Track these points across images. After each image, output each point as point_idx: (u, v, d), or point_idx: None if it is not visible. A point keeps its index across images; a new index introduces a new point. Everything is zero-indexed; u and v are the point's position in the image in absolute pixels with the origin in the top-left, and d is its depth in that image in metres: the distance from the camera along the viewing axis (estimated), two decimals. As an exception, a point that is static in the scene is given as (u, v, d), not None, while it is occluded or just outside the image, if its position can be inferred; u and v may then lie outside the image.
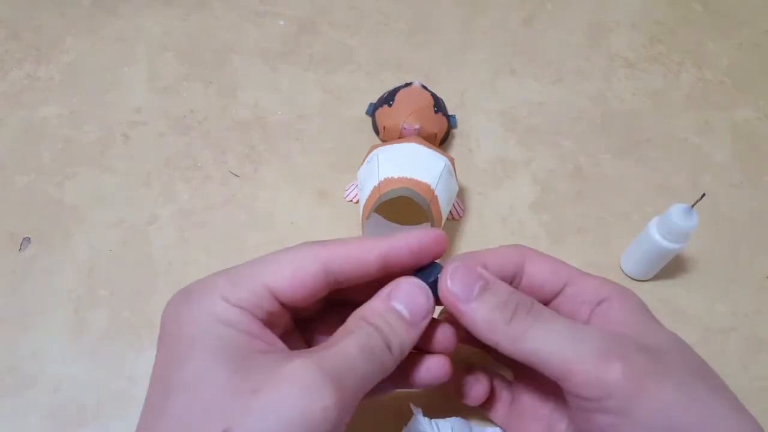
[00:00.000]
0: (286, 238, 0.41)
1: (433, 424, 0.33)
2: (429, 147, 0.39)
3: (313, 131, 0.47)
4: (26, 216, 0.42)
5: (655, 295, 0.40)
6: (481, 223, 0.43)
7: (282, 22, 0.53)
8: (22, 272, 0.40)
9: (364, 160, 0.41)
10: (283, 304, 0.25)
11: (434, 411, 0.35)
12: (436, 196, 0.37)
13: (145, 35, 0.51)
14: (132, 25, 0.52)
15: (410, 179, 0.37)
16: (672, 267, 0.41)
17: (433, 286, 0.27)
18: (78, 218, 0.42)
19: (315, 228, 0.42)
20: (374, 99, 0.47)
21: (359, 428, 0.35)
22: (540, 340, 0.25)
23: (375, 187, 0.37)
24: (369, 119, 0.47)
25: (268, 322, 0.25)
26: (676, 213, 0.36)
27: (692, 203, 0.35)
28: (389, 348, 0.24)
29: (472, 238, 0.42)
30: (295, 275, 0.25)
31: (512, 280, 0.28)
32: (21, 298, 0.39)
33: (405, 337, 0.25)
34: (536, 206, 0.44)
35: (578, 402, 0.25)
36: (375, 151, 0.40)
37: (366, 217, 0.37)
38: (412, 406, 0.34)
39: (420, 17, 0.54)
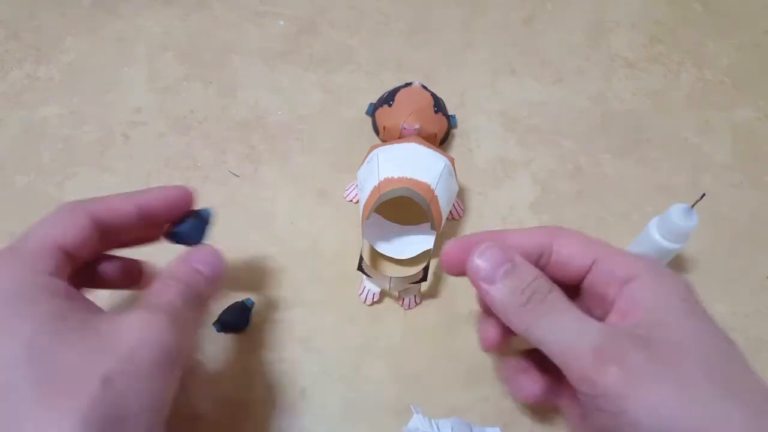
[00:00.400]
0: (286, 237, 0.41)
1: (433, 423, 0.33)
2: (429, 147, 0.39)
3: (313, 131, 0.47)
4: (26, 216, 0.42)
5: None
6: (481, 223, 0.43)
7: (282, 22, 0.53)
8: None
9: (364, 160, 0.41)
10: (69, 256, 0.28)
11: (434, 410, 0.35)
12: (436, 196, 0.37)
13: (145, 35, 0.51)
14: (132, 25, 0.52)
15: (410, 179, 0.37)
16: (672, 267, 0.41)
17: (194, 228, 0.32)
18: (78, 218, 0.42)
19: (315, 228, 0.42)
20: (374, 99, 0.47)
21: (360, 428, 0.35)
22: (546, 331, 0.25)
23: (375, 187, 0.37)
24: (369, 119, 0.47)
25: (61, 274, 0.27)
26: (676, 213, 0.36)
27: (692, 203, 0.35)
28: (200, 298, 0.29)
29: (472, 238, 0.42)
30: (75, 228, 0.28)
31: (539, 259, 0.29)
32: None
33: (208, 292, 0.30)
34: (536, 206, 0.44)
35: (579, 394, 0.25)
36: (375, 151, 0.40)
37: (366, 217, 0.37)
38: (413, 406, 0.34)
39: (420, 17, 0.54)
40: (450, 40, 0.53)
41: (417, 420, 0.33)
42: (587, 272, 0.28)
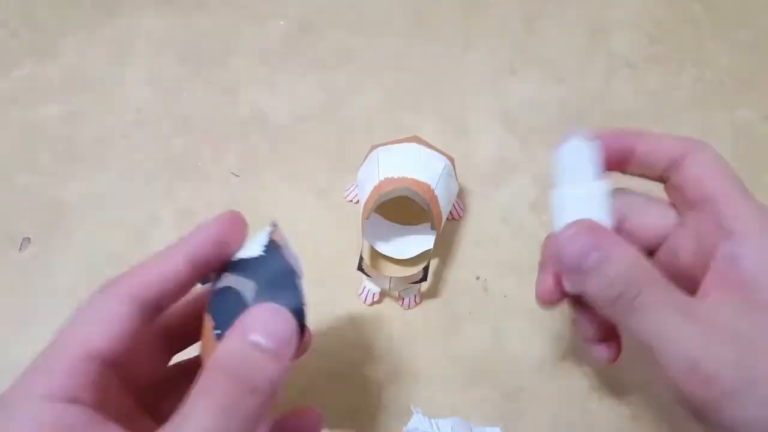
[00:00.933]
0: (287, 237, 0.41)
1: (433, 423, 0.33)
2: (429, 147, 0.39)
3: (313, 131, 0.47)
4: (26, 216, 0.42)
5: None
6: (481, 223, 0.43)
7: (282, 23, 0.53)
8: (21, 272, 0.40)
9: (364, 160, 0.41)
10: (114, 367, 0.22)
11: (435, 410, 0.35)
12: (436, 195, 0.37)
13: (145, 35, 0.51)
14: (132, 25, 0.52)
15: (410, 179, 0.37)
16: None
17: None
18: (78, 218, 0.42)
19: (315, 228, 0.42)
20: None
21: (360, 428, 0.35)
22: (638, 329, 0.24)
23: (375, 186, 0.37)
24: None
25: (104, 400, 0.21)
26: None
27: None
28: (254, 391, 0.21)
29: (472, 238, 0.42)
30: (111, 327, 0.21)
31: (664, 173, 0.27)
32: (20, 298, 0.39)
33: (272, 372, 0.22)
34: (537, 206, 0.44)
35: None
36: (375, 151, 0.40)
37: (366, 217, 0.37)
38: (413, 406, 0.34)
39: (420, 17, 0.54)
40: (450, 39, 0.52)
41: (417, 420, 0.33)
42: (701, 204, 0.25)
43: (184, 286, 0.24)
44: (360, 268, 0.37)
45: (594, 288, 0.24)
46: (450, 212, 0.42)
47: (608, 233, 0.25)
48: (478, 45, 0.52)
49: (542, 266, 0.30)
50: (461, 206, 0.43)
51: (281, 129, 0.47)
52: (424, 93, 0.49)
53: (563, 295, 0.28)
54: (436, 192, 0.37)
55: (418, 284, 0.38)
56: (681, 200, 0.26)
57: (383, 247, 0.40)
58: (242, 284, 0.24)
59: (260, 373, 0.21)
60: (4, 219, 0.42)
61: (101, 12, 0.53)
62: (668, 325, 0.23)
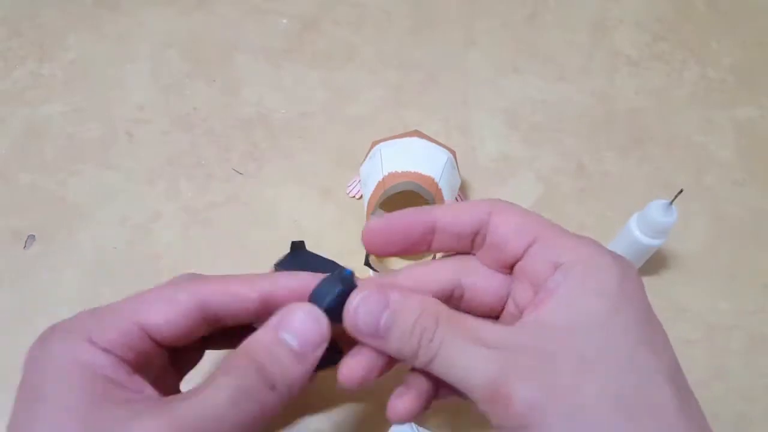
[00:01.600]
0: (289, 235, 0.41)
1: (415, 428, 0.33)
2: (430, 141, 0.39)
3: (316, 128, 0.47)
4: (30, 213, 0.42)
5: (658, 293, 0.40)
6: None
7: (285, 20, 0.53)
8: (26, 270, 0.40)
9: (366, 156, 0.41)
10: (158, 343, 0.24)
11: (435, 410, 0.35)
12: (440, 189, 0.37)
13: (148, 32, 0.51)
14: (135, 22, 0.52)
15: (414, 173, 0.37)
16: (675, 264, 0.41)
17: (332, 305, 0.24)
18: (82, 216, 0.42)
19: (318, 225, 0.42)
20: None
21: (361, 427, 0.35)
22: (444, 367, 0.23)
23: (379, 182, 0.37)
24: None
25: (141, 363, 0.23)
26: (656, 209, 0.36)
27: (671, 199, 0.35)
28: (273, 387, 0.22)
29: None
30: (169, 312, 0.23)
31: (475, 238, 0.26)
32: (25, 295, 0.39)
33: (293, 372, 0.23)
34: (539, 204, 0.44)
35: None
36: (377, 147, 0.40)
37: (371, 212, 0.37)
38: None
39: (423, 14, 0.54)
40: (453, 37, 0.52)
41: (399, 427, 0.33)
42: (524, 254, 0.25)
43: (248, 313, 0.25)
44: (367, 263, 0.37)
45: (396, 347, 0.23)
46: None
47: (393, 288, 0.24)
48: (480, 42, 0.52)
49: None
50: (463, 199, 0.43)
51: (284, 126, 0.47)
52: (427, 90, 0.49)
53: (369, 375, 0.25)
54: (440, 185, 0.37)
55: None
56: (502, 259, 0.25)
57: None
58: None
59: (281, 369, 0.23)
60: (9, 216, 0.42)
61: (104, 10, 0.53)
62: (466, 354, 0.22)
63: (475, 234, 0.25)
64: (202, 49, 0.51)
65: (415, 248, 0.26)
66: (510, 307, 0.26)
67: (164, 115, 0.47)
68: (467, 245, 0.26)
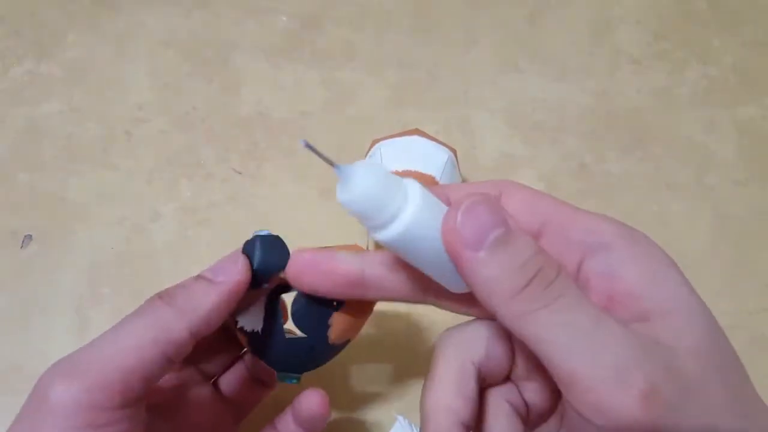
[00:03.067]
0: (288, 235, 0.41)
1: (415, 429, 0.33)
2: (431, 139, 0.39)
3: (316, 128, 0.46)
4: (28, 213, 0.42)
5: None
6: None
7: (285, 19, 0.52)
8: (23, 270, 0.40)
9: (366, 155, 0.40)
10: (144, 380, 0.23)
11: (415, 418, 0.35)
12: (441, 190, 0.37)
13: (147, 31, 0.51)
14: (134, 22, 0.52)
15: (415, 172, 0.37)
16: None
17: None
18: (80, 216, 0.42)
19: (319, 224, 0.42)
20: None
21: (362, 426, 0.35)
22: (548, 329, 0.19)
23: (379, 182, 0.37)
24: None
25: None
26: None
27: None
28: (171, 305, 0.23)
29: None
30: (137, 362, 0.22)
31: None
32: (22, 295, 0.39)
33: (196, 291, 0.23)
34: (540, 204, 0.43)
35: (578, 420, 0.19)
36: (377, 146, 0.40)
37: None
38: (395, 413, 0.34)
39: (423, 13, 0.53)
40: (453, 36, 0.52)
41: (400, 427, 0.33)
42: (537, 236, 0.21)
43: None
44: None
45: (494, 271, 0.19)
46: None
47: (509, 216, 0.20)
48: (481, 41, 0.52)
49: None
50: (465, 203, 0.43)
51: (284, 125, 0.46)
52: (428, 89, 0.49)
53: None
54: (441, 184, 0.37)
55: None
56: None
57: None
58: None
59: (183, 288, 0.24)
60: (6, 216, 0.42)
61: (103, 8, 0.52)
62: (589, 329, 0.19)
63: None
64: (201, 48, 0.50)
65: None
66: None
67: (163, 115, 0.47)
68: None
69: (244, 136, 0.46)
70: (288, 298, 0.27)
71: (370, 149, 0.40)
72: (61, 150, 0.45)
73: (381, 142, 0.40)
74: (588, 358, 0.18)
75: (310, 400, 0.28)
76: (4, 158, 0.44)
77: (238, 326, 0.26)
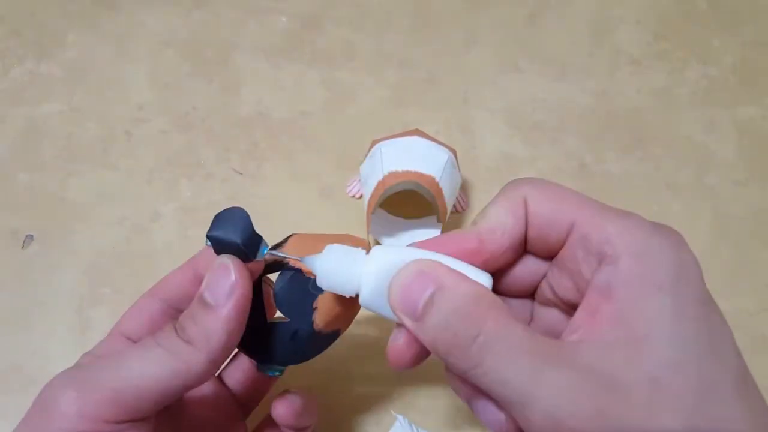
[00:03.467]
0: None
1: (414, 429, 0.33)
2: (431, 139, 0.39)
3: (315, 128, 0.46)
4: (29, 213, 0.42)
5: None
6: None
7: (284, 19, 0.52)
8: (24, 269, 0.40)
9: (366, 155, 0.40)
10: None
11: (437, 410, 0.35)
12: (441, 188, 0.37)
13: (147, 32, 0.51)
14: (134, 22, 0.52)
15: (414, 172, 0.37)
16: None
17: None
18: (80, 215, 0.42)
19: (319, 224, 0.42)
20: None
21: (363, 426, 0.35)
22: (490, 379, 0.19)
23: (379, 181, 0.37)
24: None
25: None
26: None
27: None
28: (190, 343, 0.23)
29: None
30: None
31: (520, 236, 0.23)
32: (23, 295, 0.39)
33: (209, 325, 0.23)
34: (540, 204, 0.43)
35: None
36: (377, 146, 0.40)
37: (371, 212, 0.37)
38: (395, 413, 0.34)
39: (423, 13, 0.53)
40: (453, 36, 0.52)
41: (399, 427, 0.33)
42: (566, 238, 0.22)
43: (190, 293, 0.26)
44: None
45: (430, 333, 0.20)
46: (453, 204, 0.42)
47: (446, 269, 0.21)
48: (481, 41, 0.52)
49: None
50: (464, 198, 0.43)
51: (284, 125, 0.46)
52: (427, 89, 0.49)
53: (418, 355, 0.23)
54: (441, 184, 0.37)
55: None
56: (545, 251, 0.23)
57: (389, 242, 0.40)
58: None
59: (198, 325, 0.23)
60: (7, 216, 0.42)
61: (103, 8, 0.52)
62: (521, 372, 0.19)
63: (520, 233, 0.23)
64: (201, 48, 0.50)
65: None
66: (545, 291, 0.24)
67: (163, 115, 0.47)
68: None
69: (244, 136, 0.46)
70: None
71: (370, 149, 0.40)
72: (61, 150, 0.45)
73: (381, 142, 0.40)
74: (522, 406, 0.19)
75: (277, 408, 0.27)
76: (4, 158, 0.44)
77: None
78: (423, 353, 0.23)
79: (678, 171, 0.46)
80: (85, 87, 0.48)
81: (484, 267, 0.23)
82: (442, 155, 0.38)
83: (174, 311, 0.27)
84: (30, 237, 0.41)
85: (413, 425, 0.34)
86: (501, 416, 0.21)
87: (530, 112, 0.48)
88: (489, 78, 0.50)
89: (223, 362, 0.24)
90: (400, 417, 0.34)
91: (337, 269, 0.23)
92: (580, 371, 0.19)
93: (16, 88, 0.48)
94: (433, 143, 0.39)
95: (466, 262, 0.22)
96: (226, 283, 0.23)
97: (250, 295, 0.24)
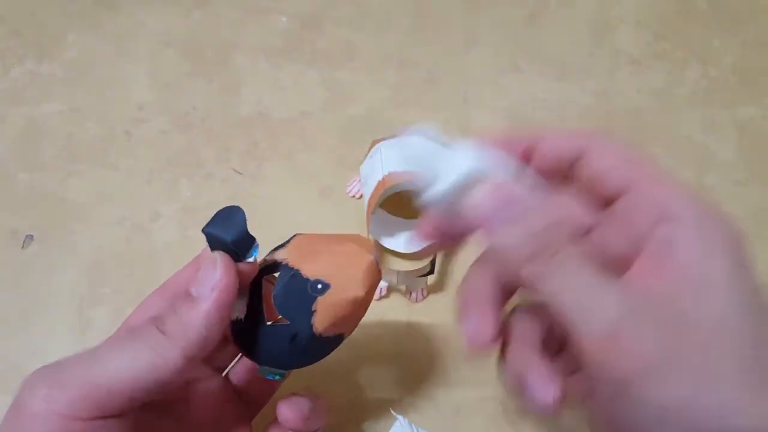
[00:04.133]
0: (288, 235, 0.41)
1: (414, 429, 0.33)
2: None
3: (315, 128, 0.46)
4: (29, 213, 0.42)
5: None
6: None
7: (284, 19, 0.52)
8: (24, 269, 0.40)
9: (366, 155, 0.40)
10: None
11: (438, 409, 0.35)
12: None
13: (147, 32, 0.51)
14: (134, 22, 0.52)
15: (414, 173, 0.37)
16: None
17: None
18: (80, 215, 0.42)
19: (318, 224, 0.42)
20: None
21: (364, 425, 0.35)
22: (555, 292, 0.21)
23: (379, 181, 0.37)
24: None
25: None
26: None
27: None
28: (164, 333, 0.23)
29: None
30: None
31: (572, 169, 0.24)
32: (23, 295, 0.39)
33: (186, 316, 0.23)
34: (540, 204, 0.43)
35: (591, 375, 0.21)
36: (378, 146, 0.40)
37: (371, 212, 0.37)
38: (394, 412, 0.34)
39: (423, 13, 0.53)
40: (453, 36, 0.52)
41: (399, 427, 0.33)
42: (621, 195, 0.23)
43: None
44: None
45: (510, 239, 0.21)
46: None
47: (522, 189, 0.22)
48: (481, 41, 0.52)
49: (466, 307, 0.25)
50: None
51: (284, 125, 0.46)
52: (428, 89, 0.49)
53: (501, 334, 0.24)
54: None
55: (425, 277, 0.38)
56: (597, 196, 0.24)
57: (389, 242, 0.40)
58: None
59: (176, 315, 0.23)
60: (7, 216, 0.42)
61: (103, 8, 0.52)
62: (588, 288, 0.20)
63: (572, 165, 0.24)
64: (201, 48, 0.50)
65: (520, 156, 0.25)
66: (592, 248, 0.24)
67: (163, 115, 0.47)
68: (561, 175, 0.24)
69: (244, 136, 0.46)
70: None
71: (370, 149, 0.40)
72: (61, 150, 0.45)
73: (381, 142, 0.40)
74: (584, 316, 0.20)
75: (282, 411, 0.27)
76: (4, 158, 0.44)
77: None
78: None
79: (678, 171, 0.46)
80: (85, 87, 0.48)
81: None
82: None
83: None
84: (30, 237, 0.41)
85: (413, 425, 0.34)
86: (552, 387, 0.22)
87: (530, 112, 0.48)
88: (489, 78, 0.50)
89: (200, 357, 0.24)
90: (400, 417, 0.34)
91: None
92: (648, 300, 0.20)
93: (16, 88, 0.48)
94: (432, 143, 0.39)
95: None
96: (211, 277, 0.23)
97: (235, 292, 0.24)
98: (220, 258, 0.24)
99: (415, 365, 0.37)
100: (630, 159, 0.23)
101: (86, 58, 0.50)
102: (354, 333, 0.29)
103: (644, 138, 0.47)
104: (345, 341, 0.28)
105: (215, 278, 0.23)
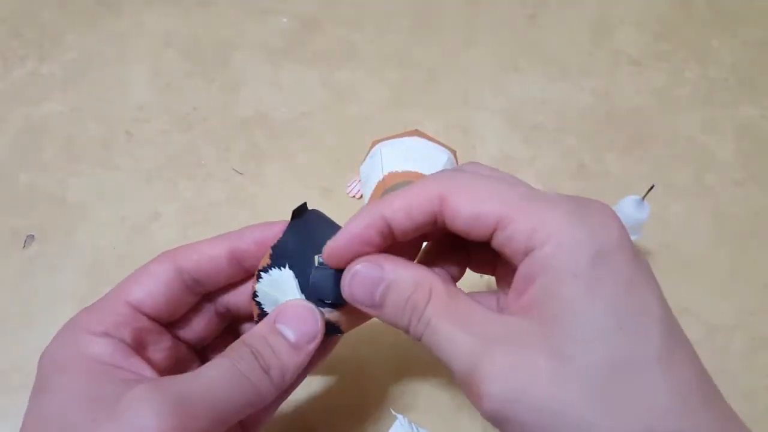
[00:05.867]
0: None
1: (415, 428, 0.33)
2: (431, 140, 0.39)
3: (316, 128, 0.46)
4: (29, 213, 0.42)
5: (659, 293, 0.40)
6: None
7: (285, 19, 0.52)
8: (25, 269, 0.40)
9: (366, 156, 0.40)
10: (155, 319, 0.26)
11: (438, 409, 0.35)
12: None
13: (148, 32, 0.51)
14: (134, 22, 0.52)
15: (414, 173, 0.37)
16: (676, 264, 0.41)
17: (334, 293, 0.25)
18: (81, 216, 0.42)
19: (318, 225, 0.42)
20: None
21: (364, 424, 0.35)
22: (432, 346, 0.23)
23: (379, 182, 0.37)
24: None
25: (141, 341, 0.25)
26: (628, 204, 0.36)
27: (643, 195, 0.35)
28: (267, 372, 0.24)
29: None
30: (149, 284, 0.25)
31: (435, 225, 0.23)
32: (24, 295, 0.39)
33: (287, 362, 0.24)
34: (540, 204, 0.43)
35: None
36: (378, 146, 0.40)
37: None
38: (394, 412, 0.34)
39: (423, 13, 0.53)
40: (453, 36, 0.52)
41: (399, 426, 0.33)
42: (497, 230, 0.22)
43: (223, 271, 0.27)
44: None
45: (391, 319, 0.24)
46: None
47: (385, 260, 0.24)
48: (481, 41, 0.52)
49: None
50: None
51: (284, 126, 0.46)
52: (427, 89, 0.49)
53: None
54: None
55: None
56: (477, 238, 0.23)
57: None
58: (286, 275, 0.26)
59: (277, 357, 0.24)
60: (8, 216, 0.42)
61: (104, 9, 0.53)
62: (449, 338, 0.22)
63: (434, 221, 0.23)
64: (202, 49, 0.51)
65: (387, 248, 0.24)
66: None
67: (163, 115, 0.47)
68: (434, 232, 0.24)
69: (244, 136, 0.46)
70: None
71: (370, 150, 0.40)
72: (61, 150, 0.45)
73: (381, 143, 0.40)
74: (449, 364, 0.22)
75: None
76: (4, 158, 0.44)
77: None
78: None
79: (678, 171, 0.46)
80: (85, 87, 0.48)
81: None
82: (442, 155, 0.38)
83: (194, 283, 0.26)
84: (30, 237, 0.41)
85: (413, 425, 0.34)
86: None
87: (530, 112, 0.48)
88: (489, 78, 0.50)
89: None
90: (400, 417, 0.34)
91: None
92: (497, 338, 0.21)
93: (16, 88, 0.48)
94: (432, 143, 0.39)
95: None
96: (312, 329, 0.25)
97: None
98: (318, 312, 0.25)
99: (415, 365, 0.37)
100: (488, 199, 0.22)
101: (86, 58, 0.50)
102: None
103: (644, 138, 0.47)
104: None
105: (315, 332, 0.25)
